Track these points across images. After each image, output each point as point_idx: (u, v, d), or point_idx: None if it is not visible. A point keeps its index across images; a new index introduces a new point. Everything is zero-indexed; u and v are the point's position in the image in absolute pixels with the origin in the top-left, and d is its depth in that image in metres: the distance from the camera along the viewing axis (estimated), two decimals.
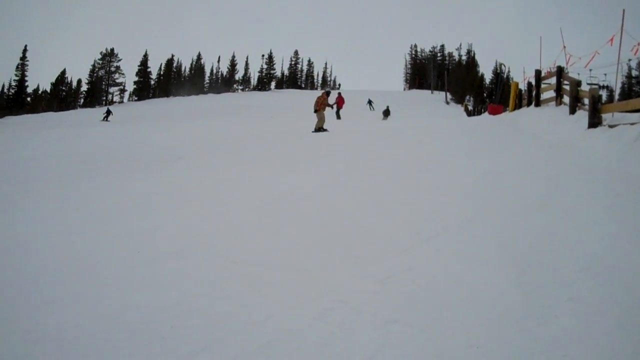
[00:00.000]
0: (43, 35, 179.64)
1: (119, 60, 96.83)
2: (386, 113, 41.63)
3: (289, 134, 17.80)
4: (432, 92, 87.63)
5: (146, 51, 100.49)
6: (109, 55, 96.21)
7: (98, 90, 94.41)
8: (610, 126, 10.63)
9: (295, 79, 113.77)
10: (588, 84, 16.15)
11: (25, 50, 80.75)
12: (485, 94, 75.49)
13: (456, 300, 4.26)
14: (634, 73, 73.37)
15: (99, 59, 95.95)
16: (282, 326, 3.94)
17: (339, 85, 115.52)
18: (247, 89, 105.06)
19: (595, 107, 11.42)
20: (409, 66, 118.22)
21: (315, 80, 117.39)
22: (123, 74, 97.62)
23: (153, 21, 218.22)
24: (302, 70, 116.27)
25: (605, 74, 16.88)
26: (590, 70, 16.78)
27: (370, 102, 53.60)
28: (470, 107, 52.89)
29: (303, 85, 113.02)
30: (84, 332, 3.89)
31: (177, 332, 3.87)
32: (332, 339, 3.73)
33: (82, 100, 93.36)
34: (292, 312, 4.18)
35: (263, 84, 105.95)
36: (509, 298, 4.23)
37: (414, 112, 44.98)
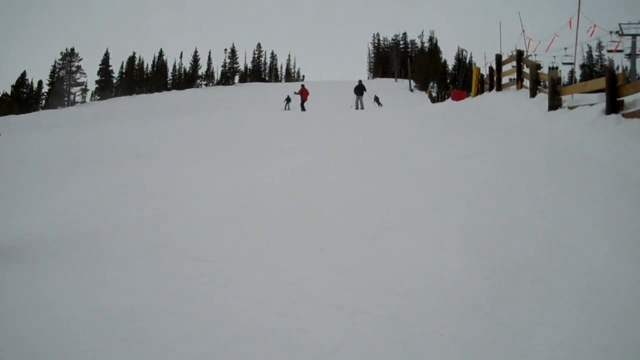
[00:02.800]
0: (1, 36, 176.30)
1: (80, 59, 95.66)
2: (376, 100, 40.35)
3: (253, 127, 17.69)
4: (396, 80, 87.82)
5: (107, 50, 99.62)
6: (70, 55, 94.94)
7: (60, 91, 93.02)
8: (570, 108, 10.78)
9: (259, 72, 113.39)
10: (564, 63, 16.40)
11: None
12: (448, 80, 76.07)
13: (421, 288, 4.29)
14: (595, 54, 74.55)
15: (59, 59, 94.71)
16: (248, 322, 3.92)
17: (303, 77, 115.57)
18: (210, 84, 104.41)
19: (554, 89, 11.58)
20: (372, 55, 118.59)
21: (279, 73, 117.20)
22: (84, 73, 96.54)
23: (113, 19, 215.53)
24: (265, 63, 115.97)
25: (565, 57, 17.13)
26: (566, 48, 17.03)
27: (377, 99, 41.80)
28: (434, 94, 53.26)
29: (267, 78, 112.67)
30: (45, 337, 3.82)
31: (143, 333, 3.83)
32: (298, 332, 3.73)
33: (43, 102, 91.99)
34: (258, 307, 4.17)
35: (227, 79, 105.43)
36: (472, 284, 4.27)
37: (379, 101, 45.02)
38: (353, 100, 32.78)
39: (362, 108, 30.88)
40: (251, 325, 3.87)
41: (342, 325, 3.78)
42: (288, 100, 41.23)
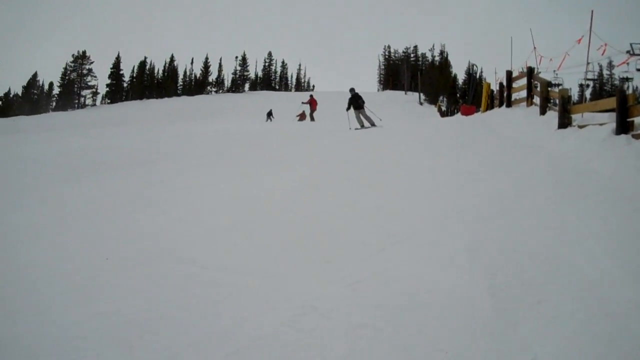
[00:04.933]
0: (14, 37, 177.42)
1: (91, 62, 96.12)
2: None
3: (261, 136, 17.75)
4: (405, 93, 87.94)
5: (118, 53, 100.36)
6: (81, 58, 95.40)
7: (70, 93, 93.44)
8: (580, 126, 10.75)
9: (269, 80, 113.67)
10: (553, 84, 16.38)
11: None
12: (458, 95, 76.03)
13: (426, 304, 4.26)
14: (605, 73, 74.49)
15: (70, 62, 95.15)
16: (251, 332, 3.92)
17: (313, 86, 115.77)
18: (220, 91, 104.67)
19: (565, 107, 11.55)
20: (382, 67, 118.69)
21: (289, 82, 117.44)
22: (95, 76, 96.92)
23: (125, 23, 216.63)
24: (276, 72, 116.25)
25: (587, 72, 17.10)
26: (554, 71, 17.00)
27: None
28: (443, 108, 53.17)
29: (277, 87, 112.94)
30: (44, 343, 3.83)
31: (146, 341, 3.83)
32: (301, 344, 3.73)
33: (54, 104, 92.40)
34: (262, 318, 4.16)
35: (237, 86, 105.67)
36: (478, 301, 4.24)
37: (387, 113, 45.05)
38: (350, 117, 22.30)
39: (370, 124, 21.43)
40: (254, 335, 3.87)
41: (345, 339, 3.76)
42: (270, 114, 43.22)
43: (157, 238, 6.44)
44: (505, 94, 18.74)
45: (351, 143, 14.58)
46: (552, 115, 12.60)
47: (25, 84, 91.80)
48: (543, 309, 4.01)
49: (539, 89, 14.80)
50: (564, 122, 11.48)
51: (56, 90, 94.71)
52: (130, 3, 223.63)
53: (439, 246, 5.60)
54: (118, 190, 9.72)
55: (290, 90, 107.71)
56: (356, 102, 21.51)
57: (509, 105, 18.29)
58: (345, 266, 5.21)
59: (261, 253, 5.75)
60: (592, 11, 14.04)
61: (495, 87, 23.10)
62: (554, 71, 16.90)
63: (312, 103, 32.88)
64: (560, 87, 15.39)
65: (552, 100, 14.04)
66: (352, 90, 22.19)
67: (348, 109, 21.71)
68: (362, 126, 21.16)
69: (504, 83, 19.13)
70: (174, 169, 11.91)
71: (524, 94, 17.25)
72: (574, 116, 11.74)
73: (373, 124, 21.32)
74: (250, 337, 3.85)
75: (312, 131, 19.85)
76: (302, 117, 32.78)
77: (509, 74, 18.74)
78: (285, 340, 3.79)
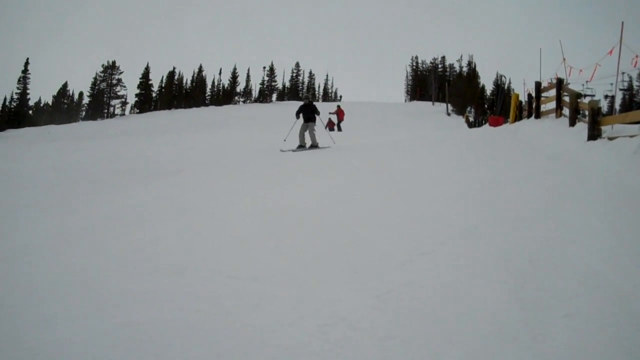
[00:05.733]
0: (45, 47, 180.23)
1: (121, 72, 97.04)
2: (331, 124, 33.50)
3: (288, 145, 17.79)
4: (433, 104, 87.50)
5: (147, 64, 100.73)
6: (111, 68, 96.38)
7: (100, 103, 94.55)
8: (610, 138, 10.63)
9: (296, 90, 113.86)
10: (584, 95, 16.22)
11: (27, 64, 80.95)
12: (486, 106, 75.43)
13: (454, 316, 4.25)
14: (635, 84, 73.66)
15: (100, 72, 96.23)
16: (279, 342, 3.93)
17: (340, 97, 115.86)
18: (248, 101, 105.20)
19: (594, 119, 11.44)
20: (409, 78, 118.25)
21: (316, 92, 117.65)
22: (125, 86, 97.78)
23: (154, 34, 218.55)
24: (303, 82, 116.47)
25: (612, 84, 16.95)
26: (586, 82, 16.82)
27: (333, 122, 34.31)
28: (471, 119, 52.69)
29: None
30: (79, 350, 3.87)
31: (175, 350, 3.86)
32: (330, 355, 3.73)
33: (83, 113, 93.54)
34: (290, 328, 4.17)
35: (264, 96, 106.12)
36: (507, 313, 4.22)
37: (415, 124, 44.91)
38: (292, 129, 19.20)
39: (313, 144, 17.94)
40: (282, 345, 3.88)
41: (373, 351, 3.76)
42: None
43: (185, 247, 6.49)
44: (534, 105, 18.62)
45: (378, 153, 14.58)
46: (582, 127, 12.48)
47: (55, 94, 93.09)
48: (573, 322, 3.98)
49: (568, 100, 14.68)
50: (594, 133, 11.37)
51: (86, 100, 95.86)
52: (159, 14, 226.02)
53: (467, 256, 5.58)
54: (145, 200, 9.82)
55: (318, 101, 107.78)
56: (306, 113, 18.13)
57: (538, 116, 18.16)
58: (373, 276, 5.21)
59: (289, 263, 5.77)
60: (622, 23, 13.87)
61: (523, 98, 22.92)
62: (586, 82, 16.73)
63: (340, 113, 32.99)
64: (591, 99, 15.20)
65: (581, 112, 13.90)
66: (306, 97, 19.80)
67: (297, 117, 18.40)
68: (302, 146, 17.94)
69: (533, 94, 19.00)
70: (202, 178, 11.99)
71: (552, 105, 17.13)
72: (603, 128, 11.62)
73: (316, 145, 17.81)
74: (278, 347, 3.86)
75: (338, 140, 19.83)
76: (330, 125, 32.76)
77: (537, 85, 18.60)
78: (313, 350, 3.80)
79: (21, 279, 5.57)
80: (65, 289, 5.17)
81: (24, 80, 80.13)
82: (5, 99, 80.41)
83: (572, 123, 13.60)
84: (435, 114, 67.04)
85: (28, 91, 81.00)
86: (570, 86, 16.21)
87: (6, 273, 5.77)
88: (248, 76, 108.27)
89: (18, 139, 42.58)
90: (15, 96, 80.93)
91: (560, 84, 16.32)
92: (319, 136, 18.71)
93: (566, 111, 15.08)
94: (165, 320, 4.37)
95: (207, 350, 3.84)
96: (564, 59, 18.72)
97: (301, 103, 18.84)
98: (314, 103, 19.81)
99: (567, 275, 4.87)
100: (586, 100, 14.31)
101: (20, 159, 16.83)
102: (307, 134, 18.18)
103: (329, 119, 33.94)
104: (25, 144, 28.13)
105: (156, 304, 4.73)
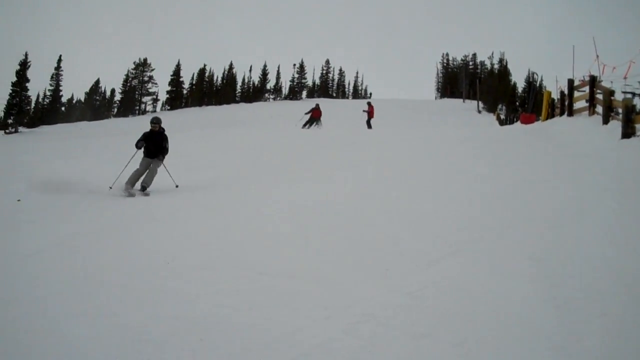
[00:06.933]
0: (78, 45, 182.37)
1: (152, 70, 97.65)
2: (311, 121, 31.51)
3: (320, 142, 17.78)
4: (464, 101, 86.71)
5: (179, 61, 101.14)
6: (142, 65, 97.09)
7: (131, 99, 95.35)
8: None
9: (326, 88, 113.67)
10: (622, 92, 15.92)
11: (60, 60, 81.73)
12: (517, 103, 74.68)
13: (487, 315, 4.23)
14: None
15: (132, 69, 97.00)
16: (310, 339, 3.94)
17: (370, 94, 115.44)
18: (278, 98, 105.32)
19: (628, 117, 11.28)
20: (440, 75, 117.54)
21: (346, 90, 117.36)
22: (156, 83, 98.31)
23: (185, 31, 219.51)
24: (333, 80, 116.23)
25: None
26: (625, 78, 16.52)
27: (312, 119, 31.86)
28: (502, 116, 52.20)
29: (334, 95, 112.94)
30: (110, 344, 3.94)
31: (206, 345, 3.89)
32: (361, 353, 3.73)
33: (115, 110, 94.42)
34: (321, 325, 4.19)
35: (294, 93, 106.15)
36: (541, 313, 4.18)
37: (445, 121, 44.60)
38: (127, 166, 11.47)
39: (142, 188, 10.84)
40: (313, 343, 3.89)
41: (405, 349, 3.75)
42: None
43: (218, 244, 6.54)
44: (566, 103, 18.39)
45: (408, 150, 14.51)
46: (615, 125, 12.31)
47: (87, 90, 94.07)
48: (607, 322, 3.93)
49: (601, 97, 14.50)
50: (628, 132, 11.21)
51: (117, 97, 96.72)
52: (190, 12, 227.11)
53: (500, 255, 5.55)
54: (178, 197, 9.92)
55: (347, 98, 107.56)
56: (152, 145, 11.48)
57: (570, 114, 17.93)
58: (404, 274, 5.21)
59: (319, 260, 5.79)
60: None
61: (556, 96, 22.65)
62: (624, 78, 16.38)
63: (370, 111, 32.87)
64: (630, 96, 14.95)
65: (614, 110, 13.70)
66: (156, 122, 12.02)
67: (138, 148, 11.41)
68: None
69: (565, 91, 18.77)
70: (234, 176, 12.05)
71: (585, 102, 16.90)
72: (638, 126, 11.46)
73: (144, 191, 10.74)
74: (309, 344, 3.87)
75: (369, 138, 19.77)
76: (311, 119, 31.78)
77: (570, 82, 18.37)
78: (344, 348, 3.80)
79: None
80: (92, 285, 5.23)
81: (56, 77, 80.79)
82: (38, 96, 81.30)
83: (606, 121, 13.41)
84: (466, 112, 66.54)
85: (60, 88, 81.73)
86: (604, 84, 15.97)
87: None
88: (278, 73, 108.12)
89: (52, 135, 43.14)
90: (48, 93, 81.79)
91: (593, 82, 16.11)
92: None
93: (599, 109, 14.89)
94: (194, 316, 4.42)
95: (238, 346, 3.87)
96: (597, 56, 18.48)
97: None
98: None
99: (601, 274, 4.82)
100: (627, 97, 14.10)
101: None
102: (143, 175, 11.22)
103: (311, 109, 33.02)
104: (59, 141, 28.47)
105: (185, 300, 4.79)
